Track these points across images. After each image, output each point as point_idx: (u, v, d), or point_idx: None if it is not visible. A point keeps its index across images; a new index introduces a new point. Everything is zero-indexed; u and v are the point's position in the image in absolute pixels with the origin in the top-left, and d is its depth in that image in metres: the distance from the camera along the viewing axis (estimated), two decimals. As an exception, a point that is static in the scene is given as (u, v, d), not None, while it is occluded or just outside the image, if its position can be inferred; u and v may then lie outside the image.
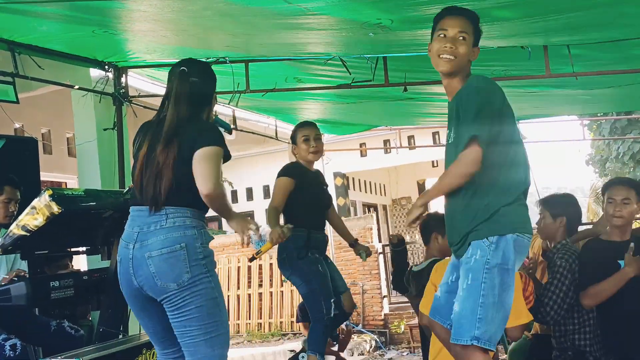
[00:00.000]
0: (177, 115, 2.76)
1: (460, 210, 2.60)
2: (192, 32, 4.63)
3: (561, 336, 3.71)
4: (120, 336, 3.82)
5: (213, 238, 2.82)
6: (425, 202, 2.63)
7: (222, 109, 7.33)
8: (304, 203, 4.19)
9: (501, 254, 2.44)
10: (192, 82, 2.84)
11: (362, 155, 15.94)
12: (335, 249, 11.18)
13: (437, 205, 3.22)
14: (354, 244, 4.68)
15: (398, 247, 4.68)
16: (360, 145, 14.89)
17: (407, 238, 13.24)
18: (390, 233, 5.00)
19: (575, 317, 3.66)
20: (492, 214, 2.50)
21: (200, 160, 2.65)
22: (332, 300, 4.07)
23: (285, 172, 4.26)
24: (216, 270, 2.78)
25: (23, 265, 4.15)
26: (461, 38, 2.63)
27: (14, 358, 3.45)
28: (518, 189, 2.58)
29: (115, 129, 5.65)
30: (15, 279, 3.73)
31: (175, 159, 2.68)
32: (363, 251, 4.64)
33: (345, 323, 8.18)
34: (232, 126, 7.47)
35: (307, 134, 4.41)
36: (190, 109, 2.80)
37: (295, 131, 4.50)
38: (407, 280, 4.41)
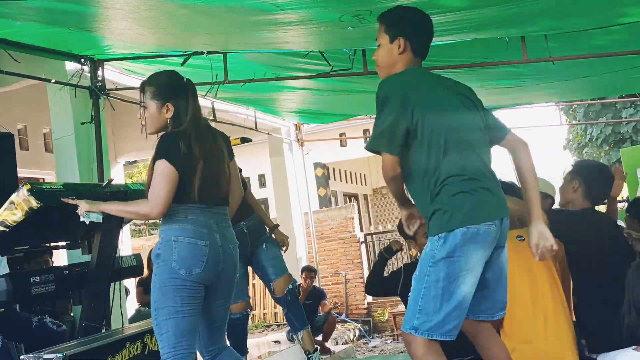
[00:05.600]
0: (206, 126, 3.12)
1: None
2: (169, 30, 4.58)
3: None
4: (103, 330, 3.80)
5: None
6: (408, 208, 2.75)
7: (201, 101, 7.29)
8: None
9: (447, 248, 2.45)
10: None
11: (342, 145, 15.96)
12: (317, 239, 11.22)
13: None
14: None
15: (390, 254, 4.44)
16: (340, 135, 14.91)
17: (389, 226, 13.29)
18: (394, 240, 4.65)
19: None
20: (437, 210, 2.51)
21: (236, 167, 3.21)
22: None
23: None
24: None
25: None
26: (377, 47, 2.75)
27: (-5, 354, 3.43)
28: (460, 177, 2.54)
29: (93, 122, 5.60)
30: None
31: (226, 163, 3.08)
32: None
33: (330, 312, 8.23)
34: (210, 118, 7.45)
35: None
36: None
37: None
38: (396, 276, 4.36)
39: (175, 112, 2.96)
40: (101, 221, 3.23)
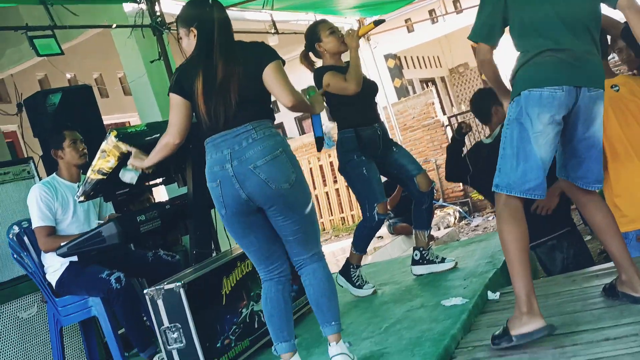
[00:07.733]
0: (228, 40, 2.83)
1: None
2: None
3: None
4: (214, 254, 3.97)
5: None
6: None
7: (259, 15, 7.23)
8: (345, 99, 3.94)
9: (517, 109, 2.63)
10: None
11: (409, 32, 15.50)
12: (401, 131, 11.16)
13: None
14: None
15: (462, 136, 4.55)
16: (406, 21, 14.45)
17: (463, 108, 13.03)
18: (461, 121, 4.69)
19: None
20: (513, 78, 2.69)
21: (277, 73, 2.77)
22: (375, 204, 3.99)
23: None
24: None
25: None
26: None
27: (120, 289, 3.66)
28: (537, 49, 2.61)
29: (162, 58, 5.68)
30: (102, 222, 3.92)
31: (240, 76, 2.76)
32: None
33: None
34: (272, 31, 7.39)
35: (332, 27, 4.07)
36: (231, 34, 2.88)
37: (315, 29, 4.08)
38: (470, 157, 4.41)
39: (199, 35, 2.82)
40: (134, 183, 3.24)
